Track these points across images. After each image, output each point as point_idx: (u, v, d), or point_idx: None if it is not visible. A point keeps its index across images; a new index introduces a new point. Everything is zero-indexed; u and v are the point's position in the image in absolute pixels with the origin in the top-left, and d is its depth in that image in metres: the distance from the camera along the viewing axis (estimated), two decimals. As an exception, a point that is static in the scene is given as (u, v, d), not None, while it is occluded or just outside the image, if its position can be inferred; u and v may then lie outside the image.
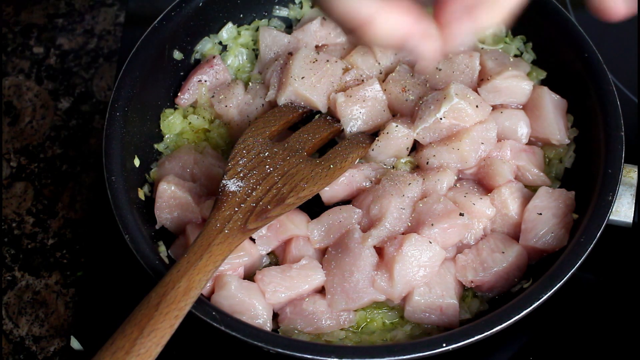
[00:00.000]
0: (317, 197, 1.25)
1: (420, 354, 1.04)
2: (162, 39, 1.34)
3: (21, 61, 1.61)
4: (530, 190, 1.26)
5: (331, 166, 1.23)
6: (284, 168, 1.20)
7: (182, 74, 1.42)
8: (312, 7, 1.47)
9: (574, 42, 1.30)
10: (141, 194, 1.27)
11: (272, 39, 1.41)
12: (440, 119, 1.24)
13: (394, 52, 1.37)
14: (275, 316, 1.19)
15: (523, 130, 1.29)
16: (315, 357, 1.04)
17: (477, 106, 1.25)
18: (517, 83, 1.31)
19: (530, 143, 1.31)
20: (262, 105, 1.36)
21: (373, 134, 1.31)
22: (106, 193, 1.19)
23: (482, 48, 1.39)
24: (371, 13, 0.73)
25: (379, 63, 1.37)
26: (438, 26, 0.78)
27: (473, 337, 1.06)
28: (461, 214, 1.18)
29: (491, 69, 1.33)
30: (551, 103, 1.30)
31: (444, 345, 1.05)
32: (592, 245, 1.11)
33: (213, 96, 1.38)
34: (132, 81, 1.29)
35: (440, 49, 0.78)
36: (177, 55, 1.40)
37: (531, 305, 1.07)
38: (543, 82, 1.37)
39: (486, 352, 1.24)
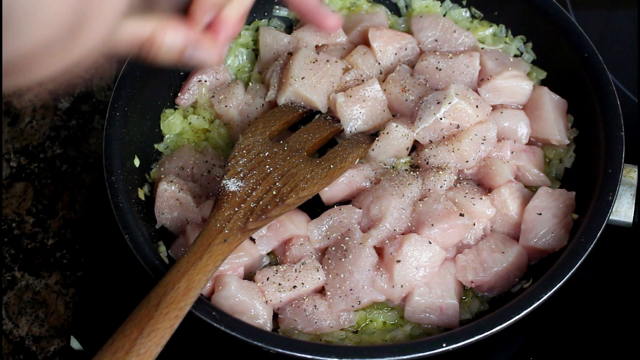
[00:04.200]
0: (317, 197, 1.25)
1: (420, 354, 1.04)
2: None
3: (21, 61, 1.61)
4: (530, 190, 1.26)
5: (331, 166, 1.23)
6: (284, 168, 1.20)
7: (182, 74, 1.42)
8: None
9: (574, 42, 1.30)
10: (141, 194, 1.27)
11: (272, 39, 1.41)
12: (440, 119, 1.24)
13: (394, 52, 1.37)
14: (275, 316, 1.19)
15: (523, 130, 1.29)
16: (315, 357, 1.04)
17: (477, 106, 1.25)
18: (517, 83, 1.31)
19: (530, 143, 1.31)
20: (262, 105, 1.36)
21: (373, 134, 1.31)
22: (106, 193, 1.19)
23: (482, 48, 1.39)
24: (151, 32, 0.88)
25: (379, 63, 1.37)
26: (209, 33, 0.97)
27: (473, 337, 1.06)
28: (461, 214, 1.18)
29: (491, 69, 1.33)
30: (551, 103, 1.30)
31: (444, 345, 1.05)
32: (592, 245, 1.11)
33: (213, 96, 1.38)
34: (132, 81, 1.29)
35: (215, 54, 0.98)
36: (177, 55, 1.40)
37: (531, 305, 1.07)
38: (543, 82, 1.37)
39: (486, 352, 1.24)
